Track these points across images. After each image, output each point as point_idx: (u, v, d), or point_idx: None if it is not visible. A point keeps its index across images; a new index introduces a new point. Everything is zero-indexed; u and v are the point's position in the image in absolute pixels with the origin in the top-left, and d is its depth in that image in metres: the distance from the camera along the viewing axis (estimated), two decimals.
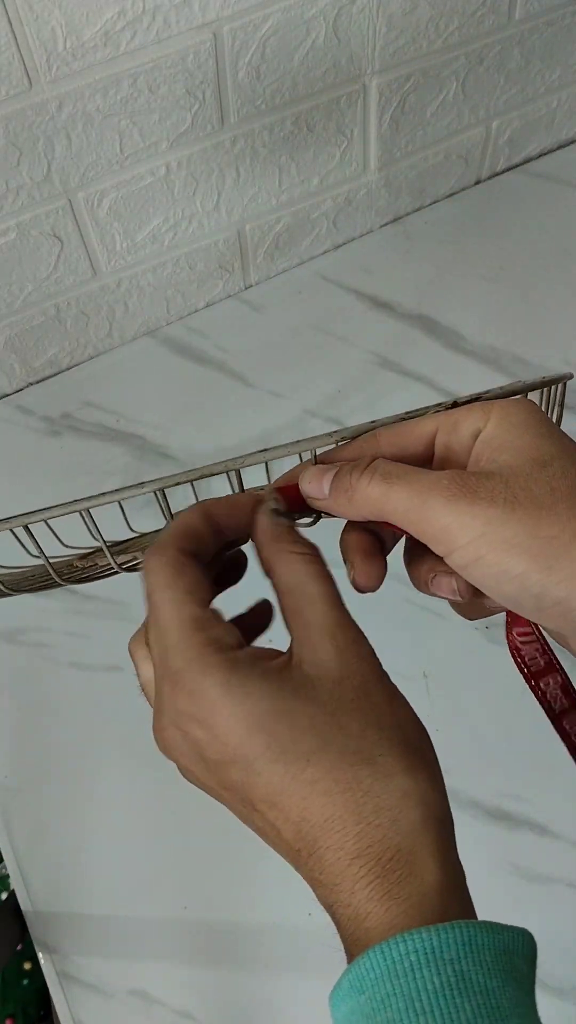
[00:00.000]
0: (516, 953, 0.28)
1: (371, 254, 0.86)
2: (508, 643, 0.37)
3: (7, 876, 0.78)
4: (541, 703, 0.37)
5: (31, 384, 0.82)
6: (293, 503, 0.33)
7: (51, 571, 0.38)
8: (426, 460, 0.34)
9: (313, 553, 0.34)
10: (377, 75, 0.72)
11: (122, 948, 0.62)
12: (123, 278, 0.77)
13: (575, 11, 0.77)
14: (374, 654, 0.33)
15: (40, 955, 0.63)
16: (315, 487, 0.34)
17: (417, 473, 0.31)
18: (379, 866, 0.29)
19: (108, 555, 0.38)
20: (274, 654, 0.32)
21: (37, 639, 0.70)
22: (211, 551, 0.34)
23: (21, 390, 0.82)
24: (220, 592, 0.35)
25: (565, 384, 0.36)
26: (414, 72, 0.74)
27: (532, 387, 0.34)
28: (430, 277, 0.83)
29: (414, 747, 0.31)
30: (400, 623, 0.69)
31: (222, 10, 0.62)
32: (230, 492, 0.35)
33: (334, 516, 0.34)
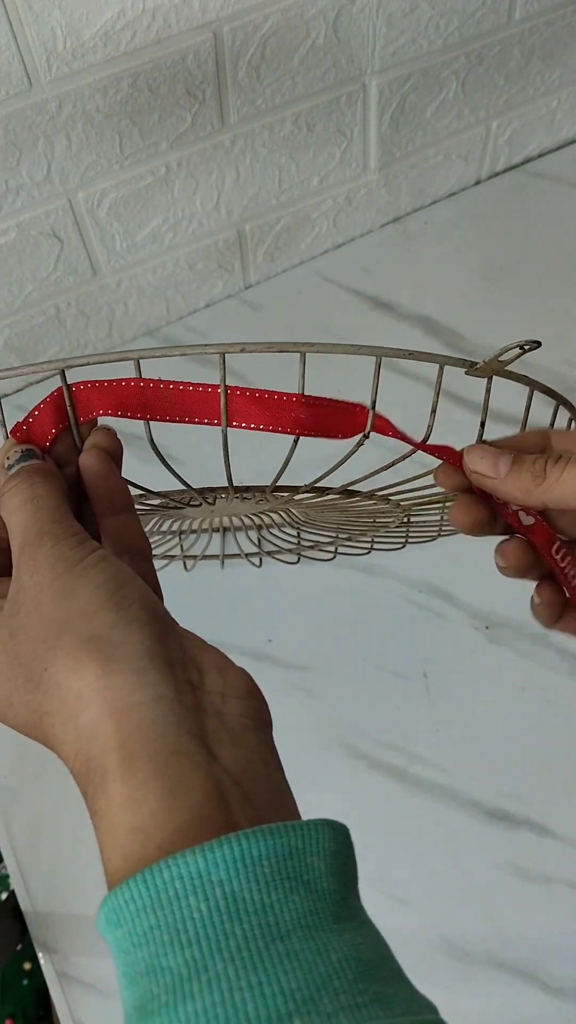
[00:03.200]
0: (308, 852, 0.26)
1: (371, 254, 0.86)
2: None
3: (7, 876, 0.78)
4: None
5: (31, 384, 0.82)
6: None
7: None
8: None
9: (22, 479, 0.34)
10: (377, 75, 0.72)
11: None
12: (123, 278, 0.77)
13: (575, 11, 0.77)
14: (65, 558, 0.31)
15: (40, 955, 0.63)
16: (487, 465, 0.34)
17: None
18: (88, 783, 0.28)
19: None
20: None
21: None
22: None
23: (21, 390, 0.82)
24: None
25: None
26: (414, 72, 0.74)
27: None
28: (430, 277, 0.83)
29: (90, 641, 0.29)
30: (400, 623, 0.69)
31: (222, 10, 0.62)
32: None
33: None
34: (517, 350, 0.33)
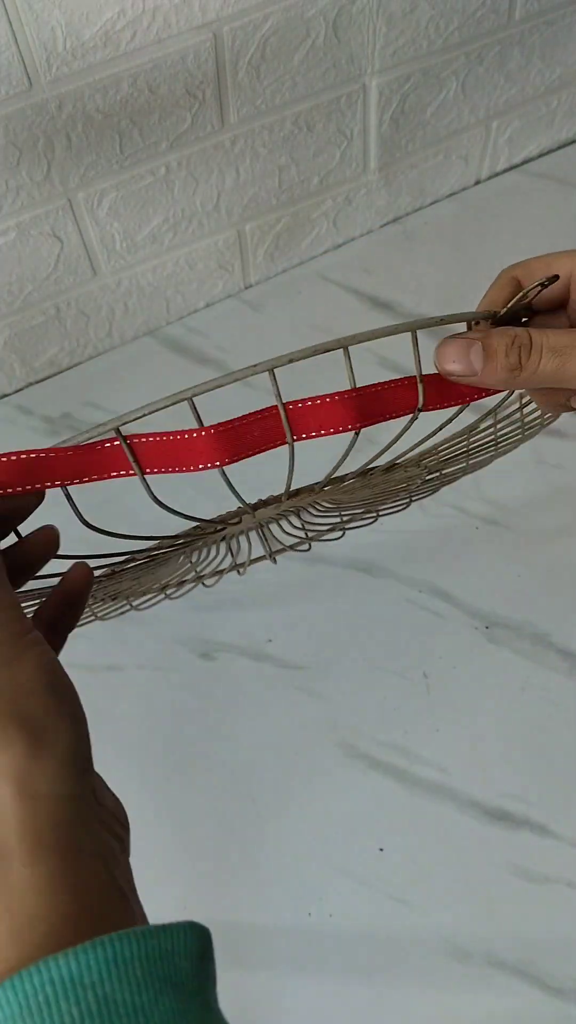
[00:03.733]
0: (176, 954, 0.27)
1: (371, 254, 0.86)
2: None
3: None
4: None
5: (31, 384, 0.82)
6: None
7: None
8: (562, 302, 0.35)
9: None
10: (377, 75, 0.72)
11: None
12: (123, 278, 0.77)
13: (575, 11, 0.77)
14: (7, 627, 0.30)
15: None
16: (463, 366, 0.33)
17: None
18: None
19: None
20: None
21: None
22: None
23: (21, 390, 0.82)
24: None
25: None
26: (414, 72, 0.74)
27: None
28: (430, 277, 0.83)
29: (25, 719, 0.29)
30: (400, 623, 0.69)
31: (222, 10, 0.62)
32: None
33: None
34: (539, 288, 0.33)
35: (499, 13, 0.73)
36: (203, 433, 0.31)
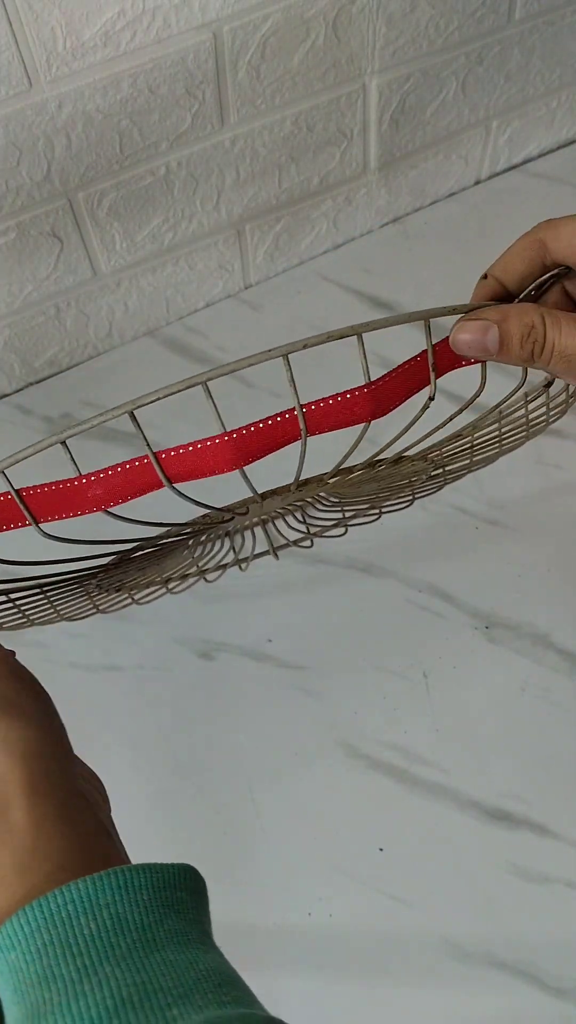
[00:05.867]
0: (176, 886, 0.31)
1: (371, 254, 0.86)
2: None
3: None
4: None
5: (31, 384, 0.82)
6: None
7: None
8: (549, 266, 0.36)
9: None
10: (377, 75, 0.72)
11: None
12: (123, 278, 0.77)
13: (575, 11, 0.77)
14: None
15: None
16: (480, 349, 0.34)
17: None
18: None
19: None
20: None
21: (36, 639, 0.70)
22: None
23: (21, 390, 0.82)
24: None
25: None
26: (414, 72, 0.74)
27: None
28: (430, 277, 0.83)
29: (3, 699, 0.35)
30: (400, 623, 0.69)
31: (222, 10, 0.62)
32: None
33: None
34: (552, 278, 0.35)
35: (499, 13, 0.73)
36: (224, 439, 0.33)
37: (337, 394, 0.33)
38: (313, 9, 0.65)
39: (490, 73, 0.78)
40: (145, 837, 0.66)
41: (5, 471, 0.33)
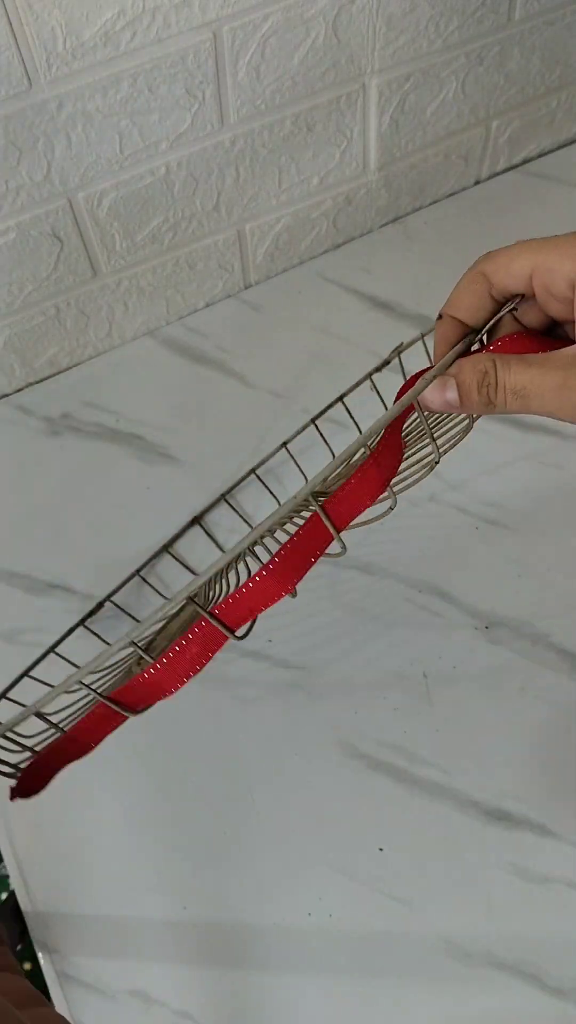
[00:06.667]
0: None
1: (371, 254, 0.86)
2: None
3: (7, 876, 0.78)
4: None
5: (31, 384, 0.82)
6: None
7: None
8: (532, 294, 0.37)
9: None
10: (377, 75, 0.72)
11: (122, 948, 0.62)
12: (123, 278, 0.77)
13: (575, 11, 0.77)
14: None
15: (40, 955, 0.63)
16: (445, 404, 0.36)
17: (544, 367, 0.33)
18: None
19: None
20: None
21: (36, 639, 0.70)
22: None
23: (21, 390, 0.82)
24: None
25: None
26: (414, 72, 0.74)
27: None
28: (430, 277, 0.83)
29: None
30: (400, 623, 0.69)
31: (222, 10, 0.62)
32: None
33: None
34: (511, 309, 0.37)
35: (499, 13, 0.73)
36: (264, 574, 0.35)
37: (349, 479, 0.35)
38: (313, 9, 0.65)
39: (490, 73, 0.78)
40: (145, 837, 0.66)
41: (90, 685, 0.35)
